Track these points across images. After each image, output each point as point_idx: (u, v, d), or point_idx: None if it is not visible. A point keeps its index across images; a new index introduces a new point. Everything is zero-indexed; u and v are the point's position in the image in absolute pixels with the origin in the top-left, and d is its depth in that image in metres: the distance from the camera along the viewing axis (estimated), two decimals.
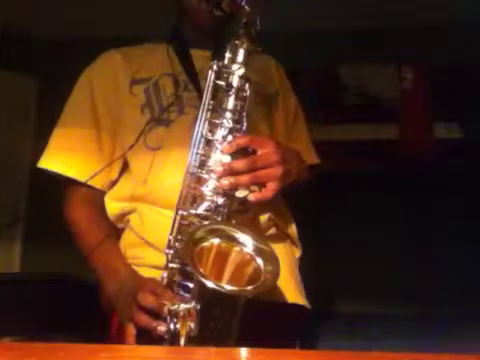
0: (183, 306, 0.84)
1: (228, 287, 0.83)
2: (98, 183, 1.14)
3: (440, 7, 2.53)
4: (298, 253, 1.21)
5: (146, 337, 0.88)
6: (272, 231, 1.13)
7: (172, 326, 0.84)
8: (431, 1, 2.49)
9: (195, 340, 0.83)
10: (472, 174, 2.50)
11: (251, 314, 0.83)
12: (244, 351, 0.68)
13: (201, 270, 0.82)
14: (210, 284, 0.79)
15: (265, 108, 1.19)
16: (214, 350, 0.73)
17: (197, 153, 0.95)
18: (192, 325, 0.82)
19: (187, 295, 0.87)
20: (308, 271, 1.19)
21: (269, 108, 1.22)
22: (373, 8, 2.58)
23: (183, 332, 0.83)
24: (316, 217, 2.32)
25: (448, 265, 2.61)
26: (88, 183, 1.13)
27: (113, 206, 1.14)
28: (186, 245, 0.85)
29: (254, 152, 0.95)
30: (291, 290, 1.11)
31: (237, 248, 0.86)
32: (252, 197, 0.92)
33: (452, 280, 2.53)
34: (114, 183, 1.17)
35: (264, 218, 1.09)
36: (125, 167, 1.15)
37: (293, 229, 1.20)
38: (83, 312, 1.62)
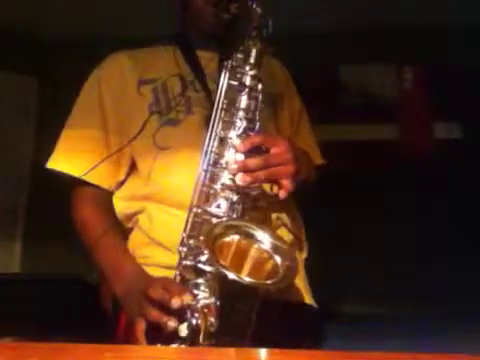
0: (202, 301, 0.84)
1: (248, 280, 0.84)
2: (105, 183, 1.15)
3: (440, 7, 2.53)
4: (305, 253, 1.21)
5: (156, 334, 0.88)
6: (280, 230, 1.14)
7: (194, 321, 0.83)
8: (431, 1, 2.49)
9: (214, 336, 0.83)
10: (472, 174, 2.51)
11: (260, 313, 0.84)
12: (252, 351, 0.69)
13: (222, 263, 0.83)
14: (231, 275, 0.79)
15: (271, 109, 1.20)
16: (221, 350, 0.73)
17: (211, 151, 0.96)
18: (212, 320, 0.82)
19: (200, 293, 0.87)
20: (308, 271, 1.20)
21: (275, 109, 1.22)
22: (373, 8, 2.58)
23: (202, 328, 0.83)
24: (316, 217, 2.32)
25: (448, 265, 2.61)
26: (94, 182, 1.13)
27: (122, 205, 1.15)
28: (206, 239, 0.86)
29: (267, 151, 0.96)
30: (299, 289, 1.12)
31: (256, 245, 0.87)
32: (279, 192, 0.93)
33: (452, 280, 2.53)
34: (122, 183, 1.17)
35: (273, 217, 1.10)
36: (133, 167, 1.16)
37: (301, 229, 1.21)
38: (83, 312, 1.62)
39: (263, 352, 0.67)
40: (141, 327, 0.90)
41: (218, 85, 1.01)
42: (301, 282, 1.13)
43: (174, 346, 0.84)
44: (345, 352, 0.65)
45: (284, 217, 1.13)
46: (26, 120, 3.25)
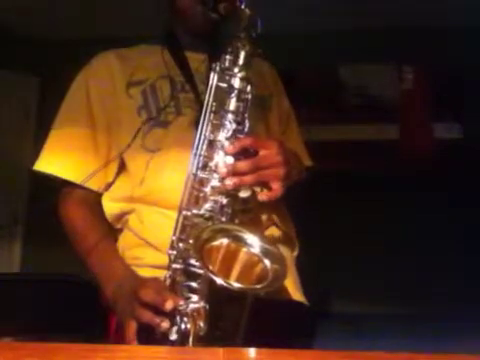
0: (192, 305, 0.84)
1: (237, 285, 0.83)
2: (94, 185, 1.14)
3: (440, 8, 2.53)
4: (296, 252, 1.21)
5: (147, 335, 0.88)
6: (271, 230, 1.14)
7: (183, 326, 0.83)
8: (431, 2, 2.49)
9: (204, 340, 0.82)
10: (472, 174, 2.51)
11: (252, 312, 0.84)
12: (246, 351, 0.68)
13: (211, 268, 0.82)
14: (220, 281, 0.79)
15: (260, 110, 1.19)
16: (214, 350, 0.73)
17: (200, 154, 0.95)
18: (201, 324, 0.82)
19: (190, 295, 0.87)
20: (308, 271, 1.20)
21: (264, 110, 1.22)
22: (373, 8, 2.59)
23: (192, 332, 0.82)
24: (316, 217, 2.32)
25: (448, 265, 2.61)
26: (84, 185, 1.12)
27: (111, 206, 1.14)
28: (195, 243, 0.85)
29: (256, 153, 0.95)
30: (290, 288, 1.11)
31: (245, 248, 0.87)
32: (263, 196, 0.93)
33: (452, 280, 2.53)
34: (110, 185, 1.16)
35: (264, 217, 1.10)
36: (122, 168, 1.15)
37: (291, 228, 1.21)
38: (83, 312, 1.62)
39: (253, 351, 0.67)
40: (132, 329, 0.90)
41: (207, 86, 1.00)
42: (291, 280, 1.13)
43: (172, 346, 0.84)
44: (345, 352, 0.65)
45: (274, 217, 1.12)
46: (26, 120, 3.25)
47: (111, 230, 1.14)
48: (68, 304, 1.78)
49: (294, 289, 1.13)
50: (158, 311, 0.86)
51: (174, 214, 0.96)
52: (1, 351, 0.63)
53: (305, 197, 1.17)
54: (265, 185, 0.95)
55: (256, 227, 1.00)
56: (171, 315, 0.85)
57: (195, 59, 1.15)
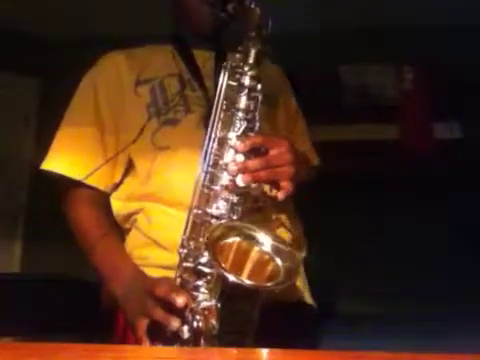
0: (204, 303, 0.84)
1: (248, 282, 0.84)
2: (101, 184, 1.14)
3: (440, 7, 2.53)
4: (304, 252, 1.21)
5: (158, 334, 0.88)
6: (279, 231, 1.14)
7: (195, 324, 0.83)
8: (431, 2, 2.49)
9: (215, 338, 0.83)
10: (472, 174, 2.51)
11: (260, 312, 0.84)
12: (259, 351, 0.69)
13: (223, 265, 0.83)
14: (232, 278, 0.79)
15: (267, 109, 1.20)
16: (217, 350, 0.73)
17: (211, 152, 0.95)
18: (213, 322, 0.82)
19: (201, 293, 0.87)
20: (308, 271, 1.20)
21: (271, 108, 1.22)
22: (373, 8, 2.59)
23: (204, 330, 0.83)
24: (316, 217, 2.32)
25: (448, 265, 2.61)
26: (91, 184, 1.12)
27: (119, 206, 1.14)
28: (207, 241, 0.86)
29: (266, 152, 0.96)
30: (299, 289, 1.11)
31: (257, 247, 0.87)
32: (273, 195, 0.93)
33: (452, 280, 2.53)
34: (117, 185, 1.16)
35: (273, 217, 1.10)
36: (130, 169, 1.15)
37: (299, 228, 1.21)
38: (83, 312, 1.62)
39: (263, 352, 0.67)
40: (144, 326, 0.90)
41: (215, 84, 1.01)
42: (300, 281, 1.13)
43: (176, 347, 0.84)
44: (345, 352, 0.65)
45: (283, 217, 1.13)
46: (26, 120, 3.25)
47: (118, 230, 1.14)
48: (68, 304, 1.79)
49: (303, 290, 1.13)
50: (170, 310, 0.86)
51: (181, 214, 0.97)
52: (1, 351, 0.63)
53: (306, 197, 1.17)
54: (275, 183, 0.96)
55: (266, 226, 1.00)
56: (183, 314, 0.85)
57: (200, 56, 1.16)
